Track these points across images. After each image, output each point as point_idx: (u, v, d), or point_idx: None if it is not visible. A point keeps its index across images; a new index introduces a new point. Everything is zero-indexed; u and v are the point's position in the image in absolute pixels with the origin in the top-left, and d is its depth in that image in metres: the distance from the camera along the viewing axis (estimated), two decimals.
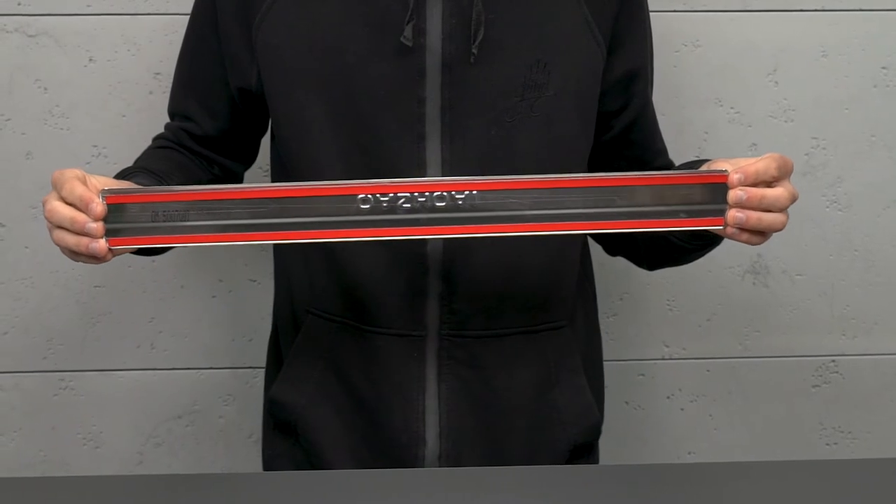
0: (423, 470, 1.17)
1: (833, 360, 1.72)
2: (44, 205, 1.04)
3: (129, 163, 1.29)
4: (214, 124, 1.26)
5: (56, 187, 1.03)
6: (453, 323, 1.18)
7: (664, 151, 1.31)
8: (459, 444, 1.20)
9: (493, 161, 1.15)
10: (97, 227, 1.01)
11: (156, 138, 1.32)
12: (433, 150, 1.14)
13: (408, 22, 1.10)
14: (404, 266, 1.17)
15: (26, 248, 1.60)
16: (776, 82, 1.60)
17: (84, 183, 1.02)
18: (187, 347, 1.66)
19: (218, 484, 1.07)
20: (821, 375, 1.72)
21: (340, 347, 1.21)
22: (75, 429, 1.68)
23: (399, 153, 1.14)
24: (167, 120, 1.33)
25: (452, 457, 1.19)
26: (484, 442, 1.21)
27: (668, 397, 1.73)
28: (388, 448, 1.20)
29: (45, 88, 1.55)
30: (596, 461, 1.35)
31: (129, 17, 1.53)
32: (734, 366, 1.71)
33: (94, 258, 1.03)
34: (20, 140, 1.56)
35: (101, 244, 1.02)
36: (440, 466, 1.19)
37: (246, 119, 1.26)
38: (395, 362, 1.19)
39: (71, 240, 1.02)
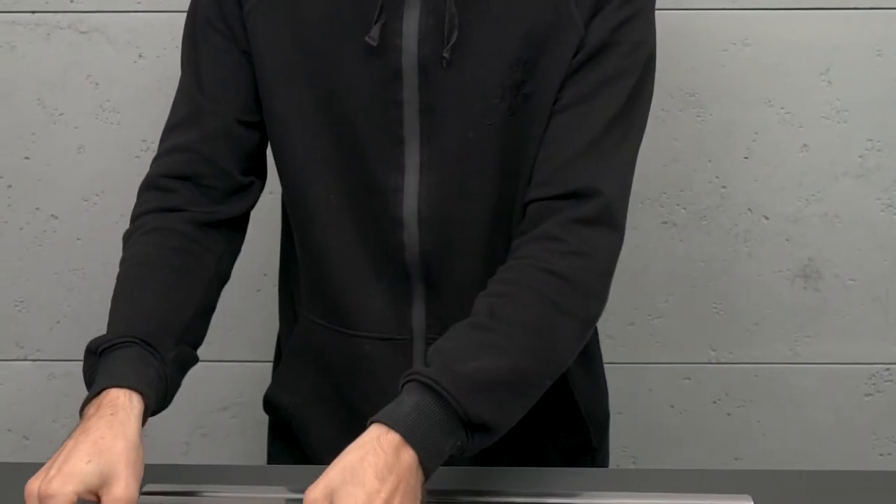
0: None
1: (887, 369, 1.67)
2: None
3: None
4: (233, 115, 1.16)
5: None
6: (438, 327, 1.14)
7: (560, 169, 1.09)
8: None
9: (473, 164, 1.11)
10: None
11: (141, 219, 1.15)
12: (412, 153, 1.11)
13: (375, 22, 1.08)
14: (386, 271, 1.15)
15: (78, 239, 1.64)
16: (829, 82, 1.56)
17: None
18: (232, 340, 1.69)
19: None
20: (874, 384, 1.67)
21: (330, 350, 1.20)
22: None
23: (378, 156, 1.12)
24: None
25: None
26: None
27: (714, 402, 1.70)
28: None
29: (97, 84, 1.58)
30: (603, 464, 1.32)
31: (177, 13, 1.54)
32: (783, 372, 1.68)
33: None
34: (73, 134, 1.60)
35: None
36: None
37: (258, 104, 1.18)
38: (381, 366, 1.17)
39: None
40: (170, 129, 1.20)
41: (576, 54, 1.09)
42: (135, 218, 1.16)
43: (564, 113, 1.10)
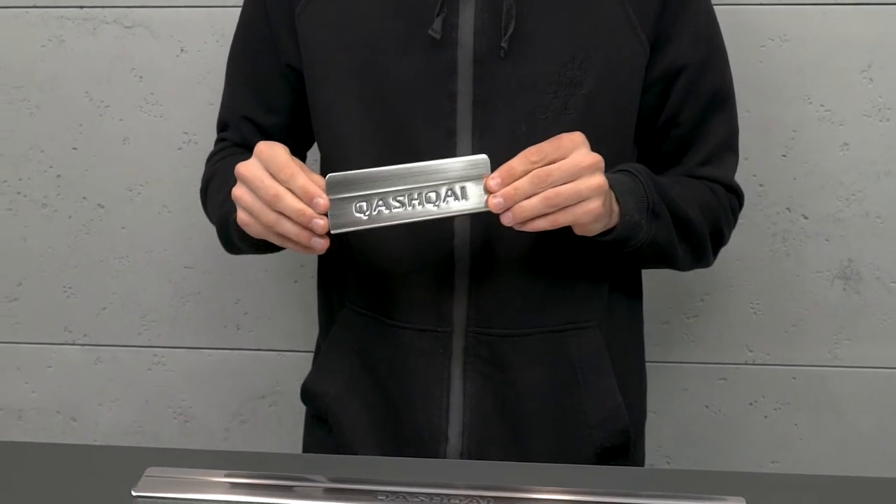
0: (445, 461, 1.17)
1: None
2: (250, 180, 1.03)
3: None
4: (272, 119, 1.27)
5: (271, 169, 1.02)
6: (479, 320, 1.17)
7: (714, 160, 1.23)
8: (483, 443, 1.19)
9: None
10: (323, 224, 1.01)
11: (218, 151, 1.30)
12: (463, 146, 1.13)
13: (437, 14, 1.10)
14: (431, 262, 1.16)
15: (123, 228, 1.69)
16: (871, 79, 1.52)
17: (303, 170, 1.02)
18: (270, 329, 1.72)
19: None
20: None
21: (370, 341, 1.22)
22: (166, 402, 1.76)
23: (430, 147, 1.13)
24: None
25: (475, 455, 1.19)
26: (507, 442, 1.19)
27: (750, 403, 1.67)
28: (411, 443, 1.20)
29: (141, 77, 1.62)
30: (638, 464, 1.31)
31: (218, 9, 1.59)
32: (822, 374, 1.64)
33: (309, 250, 1.03)
34: (118, 126, 1.65)
35: (324, 242, 1.02)
36: None
37: (301, 107, 1.26)
38: (420, 358, 1.18)
39: (292, 230, 1.02)
40: (219, 122, 1.32)
41: (648, 70, 1.17)
42: (211, 156, 1.31)
43: (689, 131, 1.21)
